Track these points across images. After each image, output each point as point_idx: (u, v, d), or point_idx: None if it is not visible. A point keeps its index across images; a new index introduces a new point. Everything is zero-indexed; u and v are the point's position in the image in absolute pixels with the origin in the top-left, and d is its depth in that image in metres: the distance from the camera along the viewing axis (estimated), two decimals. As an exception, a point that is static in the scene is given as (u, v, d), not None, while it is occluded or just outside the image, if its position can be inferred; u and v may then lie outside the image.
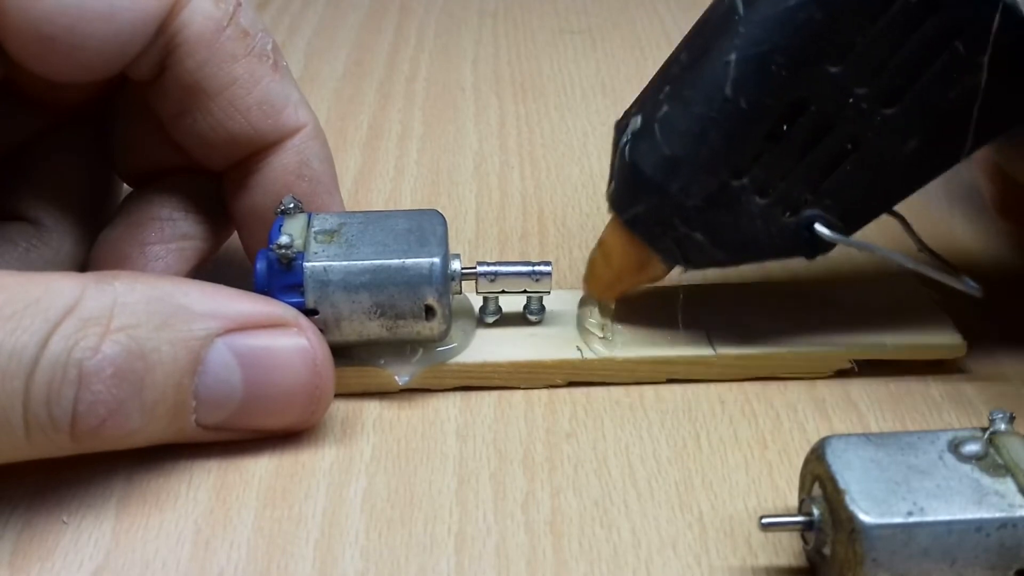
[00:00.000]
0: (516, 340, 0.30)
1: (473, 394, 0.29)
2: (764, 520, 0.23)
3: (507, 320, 0.30)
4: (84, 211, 0.31)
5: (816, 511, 0.23)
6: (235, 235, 0.32)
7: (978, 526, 0.22)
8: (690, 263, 0.28)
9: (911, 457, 0.23)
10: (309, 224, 0.29)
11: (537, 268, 0.30)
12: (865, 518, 0.21)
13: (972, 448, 0.23)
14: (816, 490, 0.23)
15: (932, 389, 0.30)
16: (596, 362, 0.29)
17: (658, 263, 0.29)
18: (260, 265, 0.27)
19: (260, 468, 0.27)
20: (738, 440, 0.28)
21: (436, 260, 0.27)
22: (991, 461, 0.23)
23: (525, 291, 0.30)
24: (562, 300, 0.31)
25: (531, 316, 0.30)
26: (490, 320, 0.30)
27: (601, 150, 0.43)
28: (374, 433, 0.28)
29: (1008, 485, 0.22)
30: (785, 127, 0.26)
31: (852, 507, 0.22)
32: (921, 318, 0.31)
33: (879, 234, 0.29)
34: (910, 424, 0.29)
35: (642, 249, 0.29)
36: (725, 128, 0.26)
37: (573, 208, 0.39)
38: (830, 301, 0.31)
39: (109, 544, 0.25)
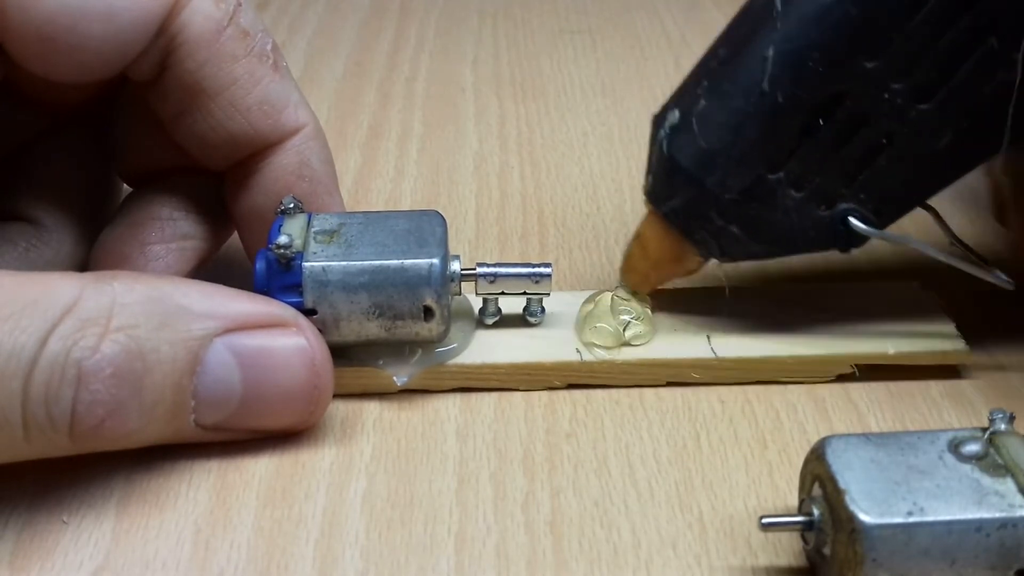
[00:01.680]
0: (516, 342, 0.30)
1: (473, 394, 0.29)
2: (764, 520, 0.23)
3: (507, 322, 0.30)
4: (84, 211, 0.31)
5: (816, 511, 0.23)
6: (235, 235, 0.32)
7: (978, 526, 0.22)
8: (726, 256, 0.29)
9: (911, 457, 0.23)
10: (309, 224, 0.29)
11: (537, 270, 0.29)
12: (865, 518, 0.21)
13: (972, 448, 0.23)
14: (816, 490, 0.23)
15: (932, 389, 0.30)
16: (595, 364, 0.29)
17: (694, 255, 0.29)
18: (259, 265, 0.27)
19: (260, 468, 0.27)
20: (738, 440, 0.28)
21: (435, 261, 0.27)
22: (991, 461, 0.23)
23: (525, 292, 0.30)
24: (562, 302, 0.31)
25: (531, 318, 0.30)
26: (490, 321, 0.30)
27: (601, 150, 0.43)
28: (374, 433, 0.28)
29: (1008, 485, 0.22)
30: (821, 121, 0.27)
31: (852, 507, 0.22)
32: (925, 322, 0.30)
33: (908, 227, 0.29)
34: (910, 424, 0.29)
35: (679, 241, 0.29)
36: (762, 122, 0.27)
37: (573, 208, 0.39)
38: (832, 305, 0.31)
39: (109, 544, 0.25)
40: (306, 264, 0.27)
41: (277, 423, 0.27)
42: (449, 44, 0.52)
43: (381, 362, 0.29)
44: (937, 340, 0.30)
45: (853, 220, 0.28)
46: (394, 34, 0.53)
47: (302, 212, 0.29)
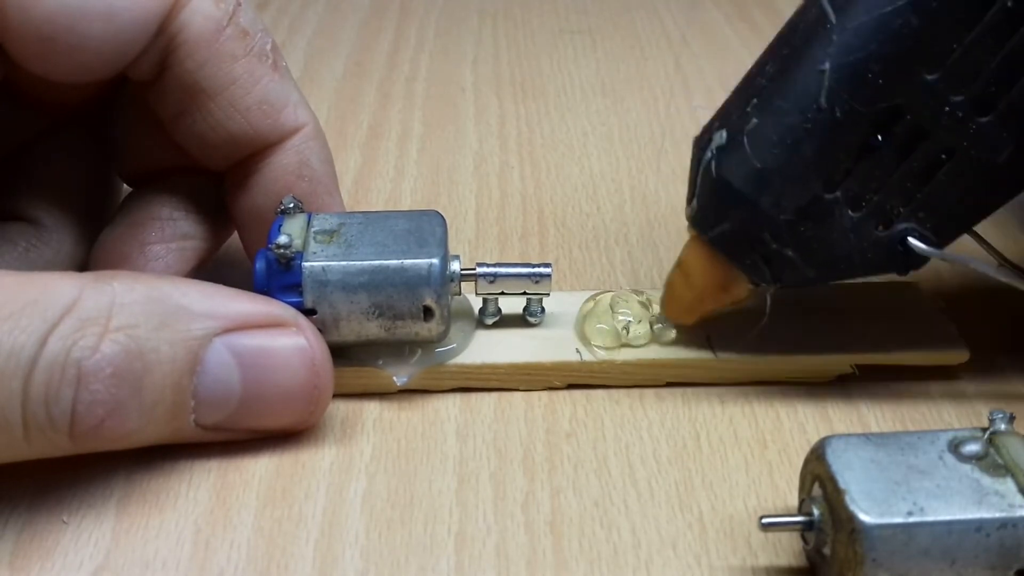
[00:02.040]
0: (515, 342, 0.30)
1: (473, 394, 0.29)
2: (764, 520, 0.23)
3: (507, 322, 0.30)
4: (84, 211, 0.31)
5: (816, 511, 0.23)
6: (235, 235, 0.32)
7: (978, 526, 0.22)
8: (778, 282, 0.28)
9: (911, 457, 0.23)
10: (309, 224, 0.29)
11: (537, 270, 0.29)
12: (865, 518, 0.21)
13: (972, 448, 0.23)
14: (816, 490, 0.23)
15: (932, 389, 0.30)
16: (595, 364, 0.29)
17: (743, 283, 0.28)
18: (259, 265, 0.27)
19: (260, 468, 0.27)
20: (738, 440, 0.28)
21: (435, 261, 0.27)
22: (991, 461, 0.23)
23: (525, 292, 0.30)
24: (562, 302, 0.31)
25: (531, 318, 0.30)
26: (489, 321, 0.30)
27: (601, 150, 0.43)
28: (374, 433, 0.28)
29: (1008, 485, 0.22)
30: (879, 137, 0.26)
31: (852, 507, 0.22)
32: (924, 324, 0.30)
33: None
34: (910, 424, 0.29)
35: (727, 269, 0.28)
36: (819, 138, 0.26)
37: (573, 208, 0.39)
38: (832, 306, 0.31)
39: (109, 544, 0.25)
40: (306, 264, 0.27)
41: (277, 423, 0.27)
42: (449, 44, 0.52)
43: (381, 362, 0.29)
44: (937, 341, 0.30)
45: (912, 240, 0.26)
46: (394, 34, 0.53)
47: (302, 212, 0.29)
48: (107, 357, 0.23)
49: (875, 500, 0.22)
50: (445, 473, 0.27)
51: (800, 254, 0.27)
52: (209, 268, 0.31)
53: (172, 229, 0.30)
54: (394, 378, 0.29)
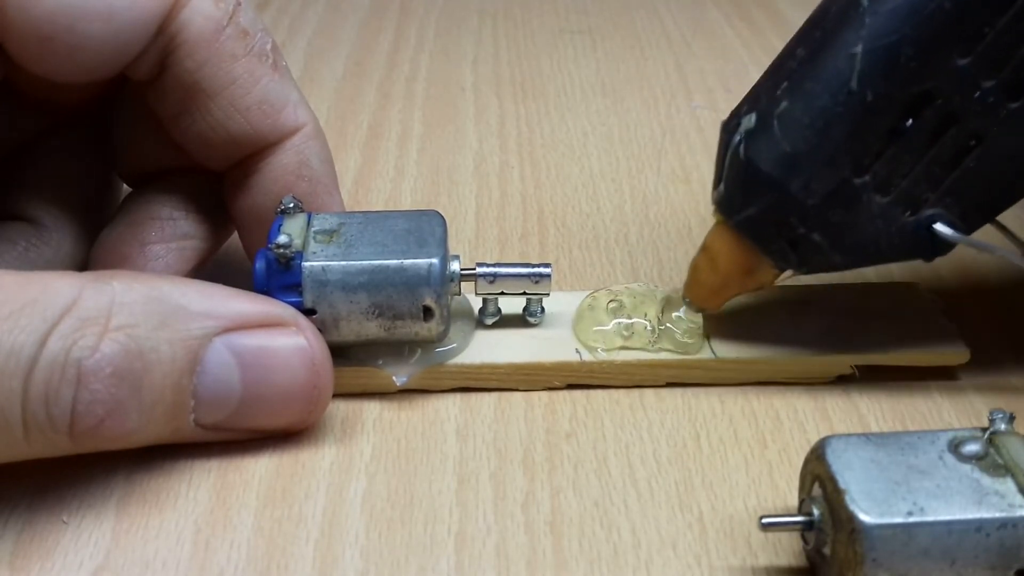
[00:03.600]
0: (515, 342, 0.30)
1: (473, 394, 0.29)
2: (764, 520, 0.23)
3: (506, 322, 0.30)
4: (84, 211, 0.31)
5: (816, 511, 0.23)
6: (235, 235, 0.32)
7: (978, 526, 0.22)
8: (804, 267, 0.28)
9: (911, 457, 0.23)
10: (309, 224, 0.29)
11: (537, 270, 0.29)
12: (865, 518, 0.21)
13: (972, 448, 0.23)
14: (816, 490, 0.23)
15: (932, 389, 0.30)
16: (595, 364, 0.29)
17: (768, 267, 0.28)
18: (259, 264, 0.27)
19: (260, 468, 0.27)
20: (738, 440, 0.28)
21: (434, 261, 0.27)
22: (991, 461, 0.23)
23: (524, 293, 0.30)
24: (562, 302, 0.31)
25: (531, 318, 0.30)
26: (489, 322, 0.30)
27: (601, 150, 0.43)
28: (374, 433, 0.28)
29: (1008, 485, 0.22)
30: (910, 122, 0.26)
31: (852, 507, 0.22)
32: (924, 324, 0.30)
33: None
34: (910, 424, 0.29)
35: (752, 253, 0.28)
36: (849, 122, 0.26)
37: (573, 208, 0.39)
38: (832, 305, 0.31)
39: (109, 544, 0.25)
40: (306, 264, 0.27)
41: (277, 423, 0.27)
42: (449, 44, 0.52)
43: (381, 362, 0.29)
44: (937, 341, 0.30)
45: (939, 226, 0.26)
46: (394, 34, 0.53)
47: (302, 212, 0.29)
48: (107, 357, 0.23)
49: (875, 500, 0.22)
50: (445, 473, 0.27)
51: (827, 239, 0.27)
52: (209, 268, 0.31)
53: (172, 229, 0.30)
54: (394, 378, 0.29)
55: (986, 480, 0.22)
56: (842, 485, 0.22)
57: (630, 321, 0.30)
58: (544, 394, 0.29)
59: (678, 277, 0.33)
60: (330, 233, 0.28)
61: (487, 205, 0.39)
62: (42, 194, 0.31)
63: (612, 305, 0.30)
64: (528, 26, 0.54)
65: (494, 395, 0.29)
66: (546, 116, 0.45)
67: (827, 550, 0.23)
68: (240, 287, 0.26)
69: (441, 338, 0.29)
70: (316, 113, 0.31)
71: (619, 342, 0.29)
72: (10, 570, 0.24)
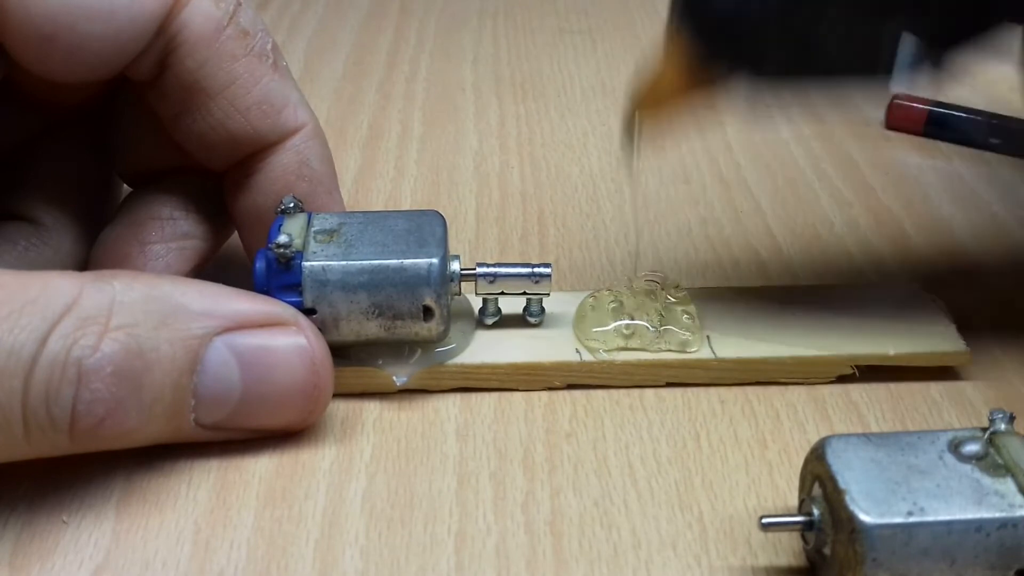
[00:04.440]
0: (515, 342, 0.30)
1: (473, 394, 0.29)
2: (764, 520, 0.23)
3: (507, 322, 0.30)
4: (84, 211, 0.31)
5: (816, 511, 0.23)
6: (235, 235, 0.32)
7: (978, 526, 0.22)
8: (756, 70, 0.26)
9: (911, 457, 0.23)
10: (309, 224, 0.29)
11: (537, 270, 0.29)
12: (865, 518, 0.21)
13: (972, 448, 0.23)
14: (816, 490, 0.23)
15: (932, 389, 0.30)
16: (595, 364, 0.29)
17: (719, 71, 0.26)
18: (259, 264, 0.27)
19: (260, 468, 0.27)
20: (738, 440, 0.28)
21: (434, 261, 0.27)
22: (991, 461, 0.23)
23: (524, 293, 0.30)
24: (562, 302, 0.31)
25: (531, 318, 0.30)
26: (489, 322, 0.30)
27: (601, 150, 0.43)
28: (374, 433, 0.28)
29: (1008, 485, 0.22)
30: None
31: (852, 507, 0.22)
32: (925, 323, 0.30)
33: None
34: (910, 424, 0.29)
35: (703, 59, 0.26)
36: None
37: (573, 208, 0.39)
38: (832, 305, 0.31)
39: (109, 544, 0.25)
40: (306, 264, 0.27)
41: (277, 422, 0.27)
42: (449, 44, 0.52)
43: (381, 362, 0.29)
44: (937, 341, 0.30)
45: (904, 41, 0.25)
46: (394, 34, 0.53)
47: (302, 212, 0.29)
48: (107, 356, 0.23)
49: (875, 500, 0.22)
50: (445, 473, 0.27)
51: (783, 43, 0.26)
52: (209, 268, 0.31)
53: (172, 229, 0.30)
54: (394, 378, 0.29)
55: (986, 480, 0.22)
56: (842, 485, 0.22)
57: (630, 321, 0.30)
58: (544, 394, 0.29)
59: (678, 277, 0.33)
60: (330, 233, 0.28)
61: (487, 205, 0.39)
62: (42, 194, 0.31)
63: (612, 305, 0.30)
64: (528, 26, 0.54)
65: (494, 395, 0.29)
66: (546, 116, 0.45)
67: (827, 550, 0.23)
68: (240, 287, 0.26)
69: (441, 338, 0.29)
70: (316, 113, 0.31)
71: (619, 342, 0.29)
72: (10, 570, 0.24)
